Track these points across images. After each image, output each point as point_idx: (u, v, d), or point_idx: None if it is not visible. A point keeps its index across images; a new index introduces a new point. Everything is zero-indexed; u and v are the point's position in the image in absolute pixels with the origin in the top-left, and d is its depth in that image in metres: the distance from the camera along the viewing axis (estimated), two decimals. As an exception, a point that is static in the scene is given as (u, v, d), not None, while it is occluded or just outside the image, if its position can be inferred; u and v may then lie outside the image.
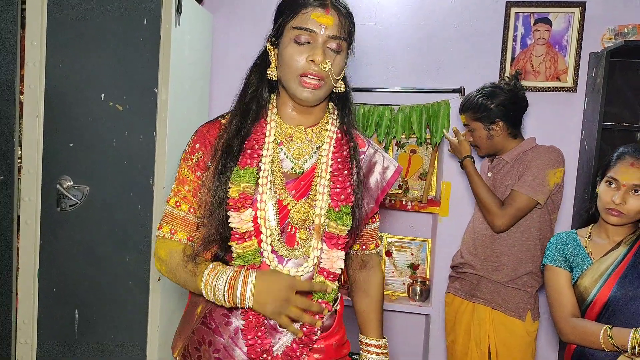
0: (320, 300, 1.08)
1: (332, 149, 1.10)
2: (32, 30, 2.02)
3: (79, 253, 2.09)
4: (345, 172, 1.09)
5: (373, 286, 1.27)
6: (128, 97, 2.03)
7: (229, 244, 1.05)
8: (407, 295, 2.58)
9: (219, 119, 1.15)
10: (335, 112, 1.15)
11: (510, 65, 2.41)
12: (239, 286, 0.98)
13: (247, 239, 1.04)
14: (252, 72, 1.14)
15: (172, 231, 1.10)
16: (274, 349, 1.08)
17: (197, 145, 1.10)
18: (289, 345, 1.08)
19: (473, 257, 2.00)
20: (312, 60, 1.01)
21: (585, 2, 2.33)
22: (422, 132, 2.45)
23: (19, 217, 2.11)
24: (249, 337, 1.05)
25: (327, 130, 1.12)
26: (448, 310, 2.11)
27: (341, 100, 1.15)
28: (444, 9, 2.47)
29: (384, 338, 1.26)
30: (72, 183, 2.07)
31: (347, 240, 1.10)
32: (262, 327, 1.06)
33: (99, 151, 2.05)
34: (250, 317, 1.05)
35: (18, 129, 2.10)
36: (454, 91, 2.41)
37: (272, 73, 1.09)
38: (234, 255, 1.05)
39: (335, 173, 1.09)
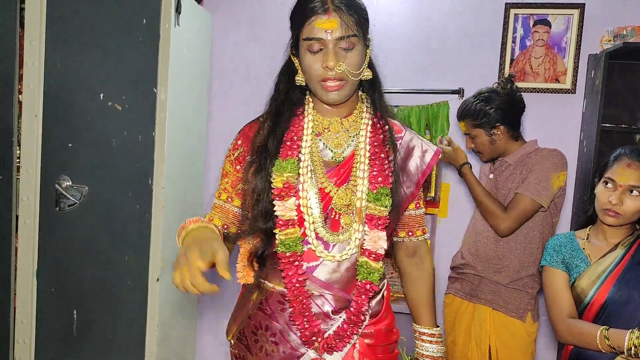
0: (364, 280, 1.11)
1: (368, 134, 1.15)
2: (31, 30, 2.02)
3: (78, 253, 2.09)
4: (382, 155, 1.13)
5: (423, 274, 1.28)
6: (127, 96, 2.03)
7: (274, 231, 1.11)
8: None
9: (260, 118, 1.21)
10: (368, 100, 1.19)
11: (510, 67, 2.41)
12: (182, 230, 1.05)
13: (290, 226, 1.10)
14: (280, 78, 1.20)
15: (210, 218, 1.19)
16: (326, 335, 1.13)
17: (239, 142, 1.19)
18: (340, 325, 1.13)
19: (474, 258, 2.00)
20: (327, 67, 1.05)
21: (584, 4, 2.33)
22: (422, 133, 2.46)
23: (17, 216, 2.10)
24: (297, 322, 1.11)
25: (362, 118, 1.17)
26: (448, 310, 2.11)
27: (371, 87, 1.18)
28: (443, 10, 2.47)
29: (438, 327, 1.27)
30: (70, 183, 2.07)
31: (389, 221, 1.12)
32: (308, 313, 1.11)
33: (98, 151, 2.05)
34: (295, 305, 1.11)
35: (17, 129, 2.10)
36: (453, 92, 2.41)
37: (300, 79, 1.14)
38: (277, 242, 1.10)
39: (373, 157, 1.13)
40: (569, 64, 2.38)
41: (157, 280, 2.07)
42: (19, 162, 2.09)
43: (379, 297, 1.21)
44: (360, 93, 1.20)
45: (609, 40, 2.28)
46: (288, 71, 1.19)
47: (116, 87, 2.03)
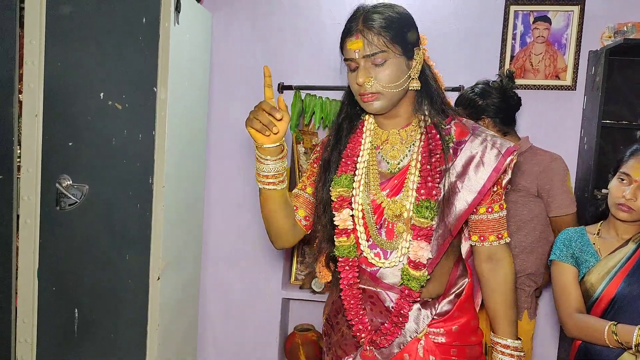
0: (404, 286, 1.17)
1: (421, 144, 1.18)
2: (31, 29, 2.02)
3: (79, 252, 2.09)
4: (429, 166, 1.15)
5: (498, 280, 1.22)
6: (127, 96, 2.02)
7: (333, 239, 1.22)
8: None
9: None
10: (426, 110, 1.21)
11: (510, 63, 2.41)
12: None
13: (344, 235, 1.20)
14: (344, 97, 1.29)
15: (295, 207, 1.29)
16: (378, 319, 1.21)
17: (318, 148, 1.33)
18: (385, 324, 1.19)
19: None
20: (357, 83, 1.13)
21: (584, 0, 2.33)
22: (422, 131, 2.45)
23: (18, 216, 2.10)
24: (348, 318, 1.21)
25: (419, 127, 1.21)
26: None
27: (422, 97, 1.21)
28: (443, 7, 2.46)
29: (518, 340, 1.21)
30: (71, 182, 2.07)
31: (433, 231, 1.15)
32: (355, 311, 1.20)
33: (99, 150, 2.05)
34: (345, 303, 1.20)
35: (17, 128, 2.10)
36: (454, 89, 2.40)
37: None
38: (335, 248, 1.22)
39: (421, 169, 1.17)
40: (569, 60, 2.37)
41: (158, 279, 2.07)
42: (20, 162, 2.09)
43: (451, 297, 1.22)
44: (416, 104, 1.21)
45: (610, 37, 2.28)
46: (349, 90, 1.25)
47: (116, 87, 2.03)
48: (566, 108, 2.39)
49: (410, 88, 1.17)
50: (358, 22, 1.13)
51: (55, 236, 2.09)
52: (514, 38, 2.40)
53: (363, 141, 1.24)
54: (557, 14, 2.37)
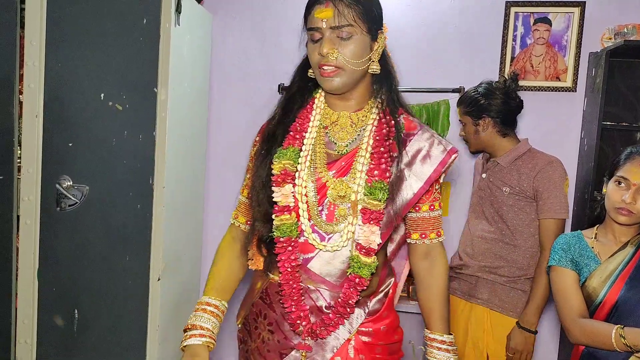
0: (354, 274, 1.11)
1: (374, 129, 1.16)
2: (32, 30, 2.02)
3: (79, 253, 2.09)
4: (382, 149, 1.13)
5: (436, 278, 1.24)
6: (127, 96, 2.03)
7: (272, 217, 1.14)
8: (407, 295, 2.57)
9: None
10: (379, 96, 1.19)
11: (510, 65, 2.41)
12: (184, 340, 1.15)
13: (285, 212, 1.12)
14: (296, 72, 1.25)
15: (235, 216, 1.28)
16: (312, 317, 1.15)
17: (257, 139, 1.25)
18: (326, 314, 1.15)
19: (471, 259, 2.00)
20: (320, 53, 1.09)
21: (584, 2, 2.33)
22: (422, 132, 2.45)
23: (18, 216, 2.10)
24: (286, 305, 1.15)
25: (371, 113, 1.18)
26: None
27: (379, 82, 1.19)
28: (443, 9, 2.46)
29: (450, 334, 1.23)
30: (71, 183, 2.07)
31: (383, 216, 1.12)
32: (297, 297, 1.14)
33: (99, 151, 2.05)
34: (285, 287, 1.14)
35: (17, 129, 2.10)
36: (454, 91, 2.41)
37: (311, 72, 1.18)
38: (274, 227, 1.13)
39: (374, 152, 1.14)
40: (569, 62, 2.37)
41: (158, 279, 2.07)
42: (20, 162, 2.09)
43: (381, 295, 1.21)
44: (373, 87, 1.20)
45: (610, 38, 2.28)
46: (303, 65, 1.22)
47: (117, 87, 2.03)
48: (566, 110, 2.39)
49: (370, 70, 1.14)
50: None
51: (55, 237, 2.09)
52: (514, 39, 2.41)
53: (312, 118, 1.19)
54: (557, 15, 2.37)
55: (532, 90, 2.39)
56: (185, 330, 1.15)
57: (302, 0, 1.16)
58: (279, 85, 2.53)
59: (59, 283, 2.11)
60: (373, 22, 1.12)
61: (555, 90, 2.39)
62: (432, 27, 2.47)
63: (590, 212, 1.66)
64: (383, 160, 1.13)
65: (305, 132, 1.17)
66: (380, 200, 1.10)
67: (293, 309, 1.14)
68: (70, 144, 2.06)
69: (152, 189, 2.04)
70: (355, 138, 1.17)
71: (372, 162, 1.13)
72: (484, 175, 2.03)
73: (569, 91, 2.38)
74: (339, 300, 1.13)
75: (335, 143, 1.17)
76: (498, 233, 1.94)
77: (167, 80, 2.00)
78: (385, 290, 1.24)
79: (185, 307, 2.41)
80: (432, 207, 1.21)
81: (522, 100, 1.99)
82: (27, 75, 2.04)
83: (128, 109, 2.03)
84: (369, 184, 1.11)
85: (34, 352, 2.12)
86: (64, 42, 2.03)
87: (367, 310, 1.18)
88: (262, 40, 2.62)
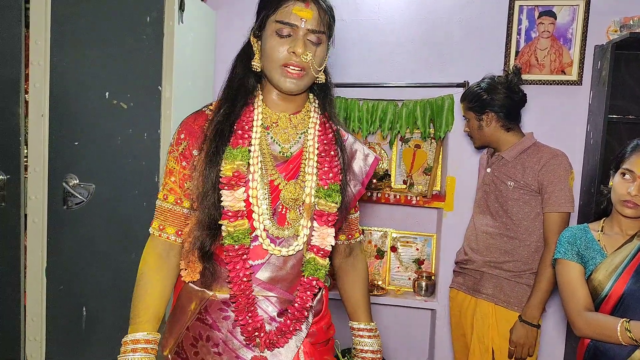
0: (311, 277, 1.11)
1: (317, 132, 1.15)
2: (36, 29, 2.03)
3: (86, 251, 2.10)
4: (332, 152, 1.14)
5: (359, 272, 1.32)
6: (132, 95, 2.03)
7: (219, 222, 1.06)
8: (412, 290, 2.58)
9: (203, 109, 1.17)
10: (316, 101, 1.19)
11: (515, 59, 2.39)
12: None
13: (239, 218, 1.05)
14: (236, 63, 1.17)
15: (161, 227, 1.12)
16: (267, 326, 1.10)
17: (182, 136, 1.12)
18: (282, 320, 1.11)
19: (476, 254, 1.99)
20: (294, 52, 1.05)
21: (590, -6, 2.31)
22: (426, 127, 2.45)
23: (25, 215, 2.12)
24: (240, 318, 1.07)
25: (309, 117, 1.17)
26: (452, 305, 2.11)
27: (322, 91, 1.19)
28: (447, 3, 2.45)
29: (374, 322, 1.31)
30: (78, 181, 2.08)
31: (337, 218, 1.13)
32: (252, 308, 1.08)
33: (104, 149, 2.06)
34: (240, 299, 1.07)
35: (24, 128, 2.11)
36: (458, 85, 2.40)
37: (256, 64, 1.12)
38: (224, 234, 1.05)
39: (322, 154, 1.13)
40: (574, 55, 2.36)
41: (165, 277, 2.08)
42: (27, 161, 2.11)
43: (319, 295, 1.21)
44: (310, 95, 1.20)
45: (615, 31, 2.26)
46: (245, 56, 1.15)
47: (121, 86, 2.04)
48: (572, 103, 2.37)
49: (317, 80, 1.13)
50: None
51: (62, 235, 2.11)
52: (519, 33, 2.39)
53: (255, 117, 1.12)
54: (562, 8, 2.35)
55: (537, 84, 2.37)
56: None
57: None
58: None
59: (67, 281, 2.12)
60: (332, 31, 1.13)
61: (561, 84, 2.38)
62: (436, 21, 2.46)
63: (596, 206, 1.65)
64: (335, 163, 1.13)
65: (251, 132, 1.10)
66: (336, 202, 1.11)
67: (249, 321, 1.07)
68: (76, 143, 2.07)
69: (157, 187, 2.04)
70: (298, 140, 1.15)
71: (322, 165, 1.13)
72: (488, 170, 2.02)
73: (575, 84, 2.36)
74: (296, 305, 1.10)
75: (279, 145, 1.13)
76: (503, 228, 1.94)
77: (171, 78, 2.01)
78: (322, 290, 1.23)
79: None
80: (356, 208, 1.29)
81: (525, 94, 1.97)
82: (32, 74, 2.05)
83: (133, 107, 2.04)
84: (325, 187, 1.11)
85: (43, 349, 2.14)
86: (69, 41, 2.04)
87: (312, 312, 1.16)
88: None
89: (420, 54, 2.49)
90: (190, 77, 2.22)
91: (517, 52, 2.40)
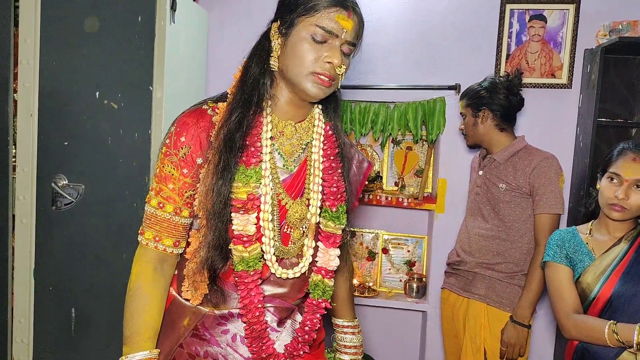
0: (320, 300, 1.10)
1: (322, 145, 1.09)
2: (26, 28, 2.01)
3: (75, 252, 2.08)
4: (339, 170, 1.09)
5: (344, 273, 1.31)
6: (123, 95, 2.02)
7: (230, 247, 1.00)
8: (403, 292, 2.58)
9: (204, 107, 1.06)
10: (319, 107, 1.12)
11: (506, 62, 2.41)
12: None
13: (253, 242, 0.99)
14: (251, 60, 1.06)
15: (157, 238, 1.03)
16: (275, 347, 1.09)
17: (183, 139, 1.00)
18: (289, 343, 1.10)
19: (468, 256, 2.00)
20: (330, 62, 0.99)
21: (580, -1, 2.34)
22: (418, 129, 2.46)
23: (14, 216, 2.10)
24: (253, 345, 1.04)
25: (314, 125, 1.09)
26: (444, 306, 2.12)
27: (333, 100, 1.13)
28: (439, 6, 2.47)
29: (357, 318, 1.33)
30: (67, 181, 2.06)
31: (342, 237, 1.11)
32: (264, 332, 1.05)
33: (94, 149, 2.05)
34: (255, 327, 1.03)
35: (12, 128, 2.09)
36: (450, 88, 2.41)
37: (274, 63, 1.04)
38: (235, 259, 0.99)
39: (330, 171, 1.08)
40: (564, 58, 2.38)
41: (155, 278, 2.07)
42: (15, 161, 2.08)
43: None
44: (321, 102, 1.13)
45: (605, 35, 2.28)
46: (262, 52, 1.05)
47: (112, 86, 2.02)
48: (562, 106, 2.40)
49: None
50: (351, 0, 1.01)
51: (51, 236, 2.08)
52: (510, 36, 2.41)
53: (265, 128, 1.03)
54: (552, 12, 2.37)
55: (527, 87, 2.39)
56: None
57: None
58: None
59: (56, 282, 2.10)
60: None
61: (551, 87, 2.40)
62: (428, 24, 2.47)
63: (584, 208, 1.67)
64: (342, 182, 1.09)
65: (262, 147, 1.02)
66: (344, 225, 1.09)
67: (263, 348, 1.04)
68: (66, 143, 2.06)
69: (148, 188, 2.03)
70: (301, 152, 1.08)
71: (329, 184, 1.07)
72: (480, 172, 2.04)
73: (565, 88, 2.39)
74: (305, 329, 1.09)
75: (283, 157, 1.06)
76: (495, 230, 1.95)
77: (162, 78, 2.00)
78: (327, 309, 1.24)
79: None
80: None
81: (522, 99, 2.00)
82: (21, 73, 2.03)
83: (123, 107, 2.02)
84: (333, 209, 1.07)
85: (30, 351, 2.12)
86: (59, 40, 2.02)
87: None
88: (258, 36, 2.60)
89: (412, 56, 2.50)
90: (182, 77, 2.21)
91: (508, 55, 2.41)
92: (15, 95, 2.08)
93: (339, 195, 1.08)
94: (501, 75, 2.03)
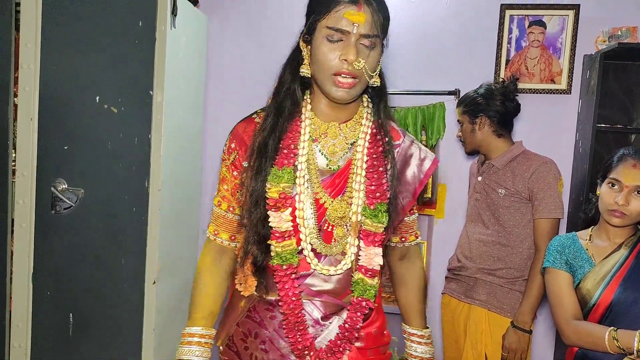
0: (360, 297, 1.09)
1: (367, 144, 1.10)
2: (27, 33, 2.01)
3: (74, 256, 2.08)
4: (381, 168, 1.09)
5: (413, 277, 1.27)
6: (123, 99, 2.02)
7: (268, 242, 1.07)
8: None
9: (253, 116, 1.16)
10: (370, 106, 1.14)
11: (505, 68, 2.42)
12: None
13: (286, 238, 1.06)
14: (285, 69, 1.13)
15: (215, 232, 1.16)
16: (317, 341, 1.11)
17: (233, 145, 1.13)
18: (332, 339, 1.11)
19: (469, 262, 2.00)
20: (345, 60, 1.00)
21: (579, 5, 2.34)
22: (418, 134, 2.46)
23: (13, 220, 2.09)
24: (289, 335, 1.09)
25: (361, 125, 1.12)
26: (445, 311, 2.11)
27: (377, 94, 1.14)
28: (439, 11, 2.47)
29: (427, 328, 1.28)
30: (66, 186, 2.06)
31: (384, 236, 1.10)
32: (302, 326, 1.09)
33: (94, 154, 2.05)
34: (290, 318, 1.08)
35: (12, 132, 2.09)
36: (450, 93, 2.42)
37: (305, 71, 1.08)
38: (272, 254, 1.07)
39: (371, 170, 1.09)
40: (564, 64, 2.38)
41: (154, 283, 2.06)
42: (15, 165, 2.08)
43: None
44: (363, 98, 1.15)
45: (604, 41, 2.29)
46: (293, 62, 1.11)
47: (112, 90, 2.02)
48: (561, 112, 2.40)
49: (371, 84, 1.07)
50: None
51: (50, 240, 2.08)
52: (509, 42, 2.42)
53: (303, 131, 1.09)
54: (552, 18, 2.38)
55: (527, 92, 2.40)
56: None
57: (298, 0, 1.13)
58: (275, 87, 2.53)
59: (54, 286, 2.10)
60: (387, 31, 1.07)
61: (550, 93, 2.40)
62: (428, 30, 2.48)
63: (584, 214, 1.67)
64: (383, 180, 1.08)
65: (297, 149, 1.08)
66: (383, 223, 1.08)
67: (299, 339, 1.09)
68: (66, 147, 2.06)
69: (147, 192, 2.03)
70: (347, 152, 1.10)
71: (372, 183, 1.08)
72: (479, 178, 2.04)
73: (564, 93, 2.39)
74: (346, 326, 1.10)
75: (327, 158, 1.10)
76: (495, 235, 1.95)
77: (162, 82, 2.00)
78: (372, 309, 1.21)
79: (181, 310, 2.40)
80: (411, 211, 1.22)
81: (519, 104, 2.00)
82: (22, 78, 2.03)
83: (123, 111, 2.02)
84: (371, 207, 1.07)
85: (28, 356, 2.11)
86: (60, 45, 2.03)
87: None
88: (258, 42, 2.62)
89: (412, 61, 2.50)
90: (182, 81, 2.21)
91: (507, 61, 2.42)
92: (15, 99, 2.08)
93: (377, 194, 1.08)
94: (496, 81, 2.03)
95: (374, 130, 1.12)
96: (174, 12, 2.03)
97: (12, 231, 2.10)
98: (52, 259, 2.09)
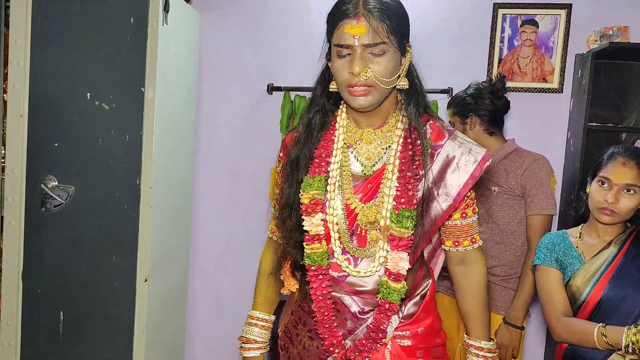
0: (383, 300, 1.12)
1: (399, 148, 1.12)
2: (16, 29, 1.99)
3: (64, 254, 2.06)
4: (409, 173, 1.09)
5: (471, 283, 1.22)
6: (114, 96, 2.01)
7: (302, 244, 1.15)
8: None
9: (298, 126, 1.24)
10: (403, 110, 1.16)
11: (498, 66, 2.43)
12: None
13: (316, 241, 1.13)
14: (316, 86, 1.20)
15: (272, 230, 1.29)
16: (355, 333, 1.15)
17: (281, 154, 1.26)
18: (360, 339, 1.15)
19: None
20: (352, 72, 1.04)
21: (571, 4, 2.36)
22: (411, 132, 2.46)
23: (2, 217, 2.08)
24: (320, 332, 1.15)
25: (396, 128, 1.14)
26: (439, 309, 2.11)
27: (408, 96, 1.14)
28: (432, 10, 2.48)
29: (490, 341, 1.22)
30: (57, 183, 2.05)
31: (412, 241, 1.10)
32: (329, 324, 1.15)
33: (85, 151, 2.03)
34: (318, 315, 1.14)
35: (2, 128, 2.07)
36: (442, 91, 2.42)
37: (333, 87, 1.14)
38: (305, 255, 1.14)
39: (400, 175, 1.10)
40: (556, 63, 2.40)
41: (145, 280, 2.05)
42: (4, 162, 2.06)
43: (417, 298, 1.20)
44: (399, 100, 1.16)
45: (596, 40, 2.30)
46: (323, 79, 1.18)
47: (103, 87, 2.01)
48: (553, 110, 2.41)
49: (398, 87, 1.10)
50: (358, 4, 1.03)
51: (40, 238, 2.06)
52: (502, 41, 2.42)
53: (336, 139, 1.15)
54: (544, 17, 2.39)
55: (519, 91, 2.41)
56: (241, 341, 1.29)
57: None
58: (268, 85, 2.52)
59: (44, 284, 2.08)
60: (403, 36, 1.07)
61: (542, 92, 2.41)
62: (420, 28, 2.48)
63: (575, 212, 1.68)
64: (410, 186, 1.09)
65: (330, 157, 1.14)
66: (408, 228, 1.07)
67: (326, 336, 1.15)
68: (56, 144, 2.04)
69: (139, 189, 2.02)
70: (382, 157, 1.13)
71: (399, 188, 1.09)
72: None
73: (556, 92, 2.40)
74: (371, 326, 1.13)
75: (362, 164, 1.15)
76: (489, 233, 1.96)
77: (154, 79, 1.99)
78: (421, 293, 1.21)
79: (173, 308, 2.39)
80: (464, 214, 1.18)
81: (508, 101, 2.01)
82: (11, 74, 2.01)
83: (115, 108, 2.01)
84: (396, 212, 1.08)
85: (17, 354, 2.09)
86: (50, 41, 2.01)
87: (401, 315, 1.17)
88: (251, 39, 2.61)
89: (405, 59, 2.50)
90: (174, 78, 2.20)
91: (500, 60, 2.43)
92: (5, 96, 2.06)
93: (402, 200, 1.08)
94: (484, 80, 2.04)
95: (407, 135, 1.12)
96: (166, 9, 2.02)
97: (2, 229, 2.08)
98: (42, 257, 2.07)
